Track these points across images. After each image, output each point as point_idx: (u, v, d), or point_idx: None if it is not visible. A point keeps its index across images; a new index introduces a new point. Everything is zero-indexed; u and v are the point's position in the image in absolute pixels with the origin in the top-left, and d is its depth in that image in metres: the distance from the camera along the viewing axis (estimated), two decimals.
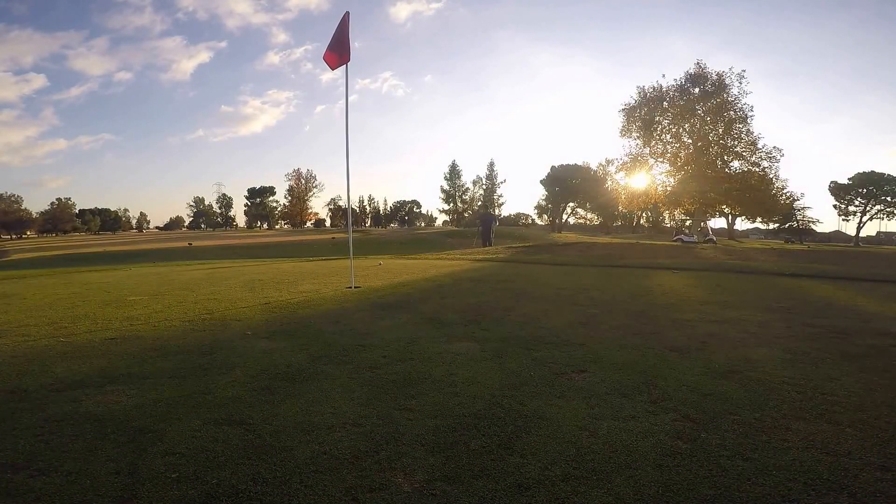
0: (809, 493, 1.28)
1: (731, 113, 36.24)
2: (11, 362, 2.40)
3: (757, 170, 36.59)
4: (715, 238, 37.29)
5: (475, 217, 23.84)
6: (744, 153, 36.79)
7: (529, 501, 1.24)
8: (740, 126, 36.23)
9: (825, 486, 1.31)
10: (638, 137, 39.12)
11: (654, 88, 38.62)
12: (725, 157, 37.46)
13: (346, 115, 5.45)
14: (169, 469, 1.38)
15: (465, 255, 10.89)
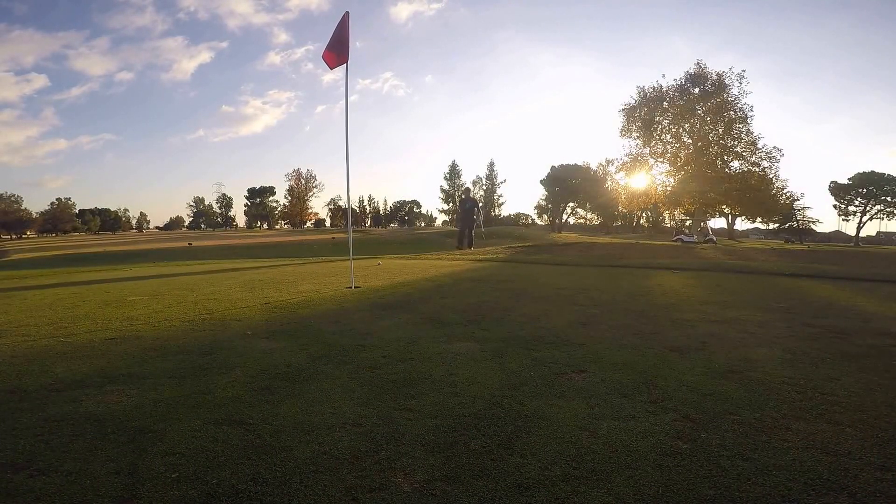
0: (809, 493, 1.28)
1: (731, 113, 36.25)
2: (11, 362, 2.40)
3: (757, 170, 36.61)
4: (715, 238, 37.30)
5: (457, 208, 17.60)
6: (744, 153, 36.81)
7: (529, 501, 1.24)
8: (740, 126, 36.24)
9: (825, 486, 1.31)
10: (638, 137, 39.13)
11: (654, 88, 38.63)
12: (725, 157, 37.47)
13: (345, 114, 5.44)
14: (169, 469, 1.38)
15: (465, 255, 10.89)
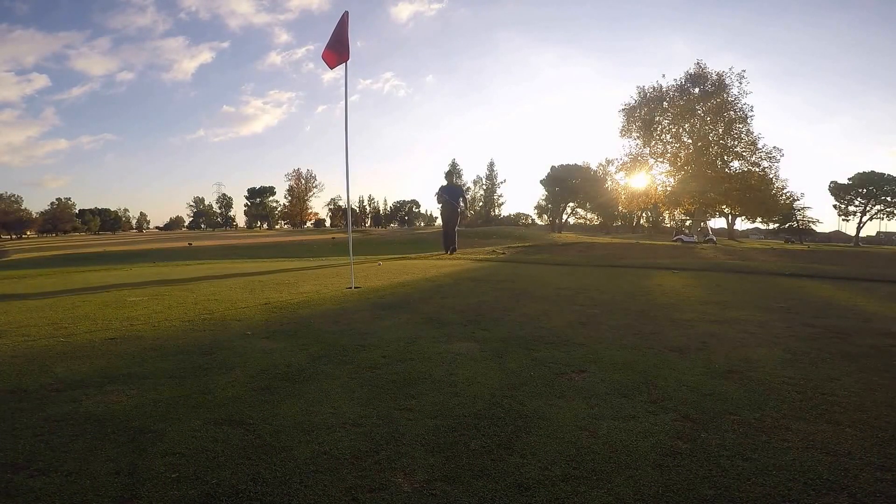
0: (809, 493, 1.28)
1: (731, 113, 36.26)
2: (11, 362, 2.40)
3: (757, 170, 36.63)
4: (715, 238, 37.31)
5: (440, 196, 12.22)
6: (744, 153, 36.83)
7: (529, 501, 1.24)
8: (740, 126, 36.25)
9: (825, 486, 1.31)
10: (638, 137, 39.15)
11: (654, 88, 38.65)
12: (725, 157, 37.48)
13: (345, 114, 5.44)
14: (169, 469, 1.37)
15: (465, 255, 10.88)
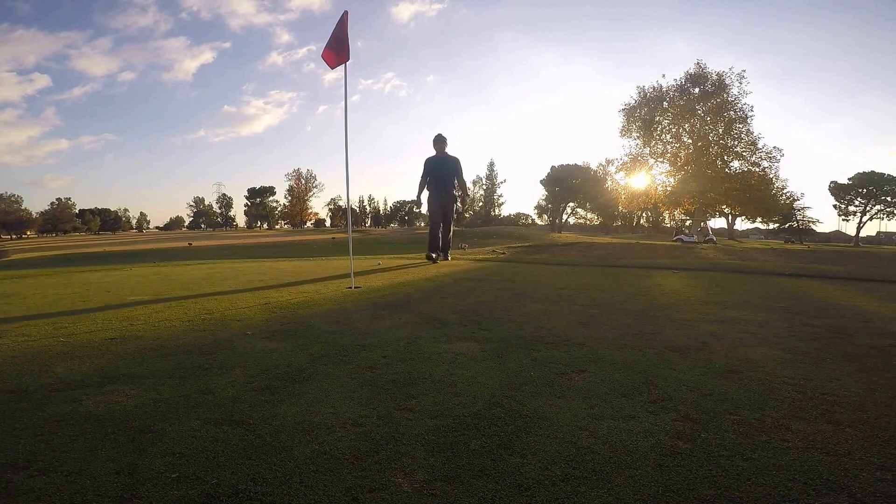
0: (809, 493, 1.28)
1: (731, 113, 36.29)
2: (11, 362, 2.40)
3: (757, 170, 36.65)
4: (715, 238, 37.31)
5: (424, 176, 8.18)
6: (744, 153, 36.85)
7: (529, 501, 1.24)
8: (740, 126, 36.28)
9: (825, 486, 1.31)
10: (638, 137, 39.18)
11: (654, 88, 38.68)
12: (725, 157, 37.50)
13: (345, 114, 5.44)
14: (169, 469, 1.37)
15: (465, 255, 10.88)
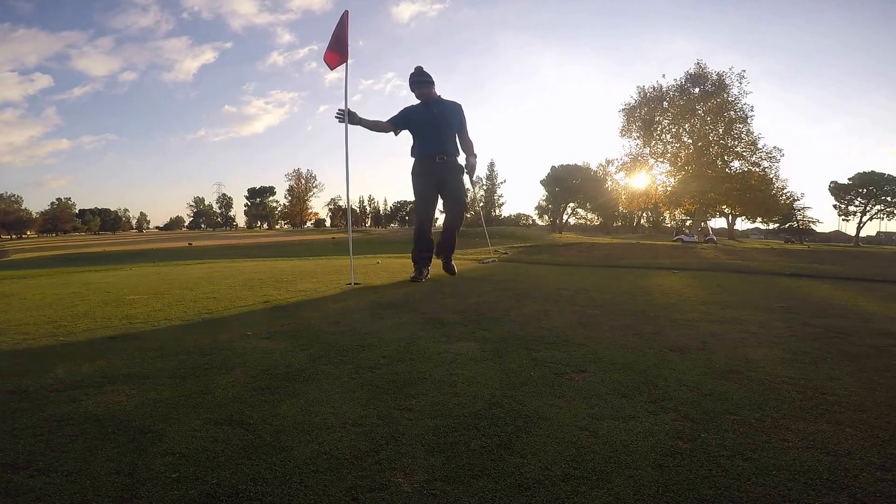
0: (809, 493, 1.27)
1: (732, 113, 36.30)
2: (11, 362, 2.40)
3: (757, 170, 36.65)
4: (715, 238, 37.33)
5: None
6: (744, 153, 36.85)
7: (529, 501, 1.24)
8: (740, 126, 36.30)
9: (825, 486, 1.31)
10: (638, 137, 39.20)
11: (654, 88, 38.70)
12: (725, 157, 37.51)
13: (345, 115, 5.42)
14: (169, 469, 1.37)
15: (465, 255, 10.89)
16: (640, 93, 37.80)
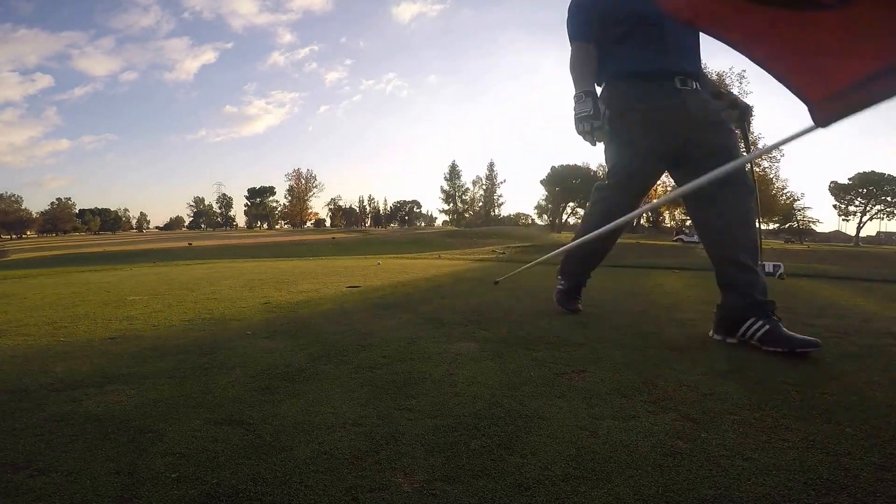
0: (809, 493, 1.28)
1: None
2: (11, 362, 2.40)
3: (757, 170, 36.55)
4: None
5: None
6: (744, 153, 36.77)
7: (529, 501, 1.24)
8: None
9: (825, 486, 1.31)
10: None
11: None
12: None
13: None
14: (169, 469, 1.37)
15: (465, 255, 10.88)
16: None
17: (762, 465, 1.42)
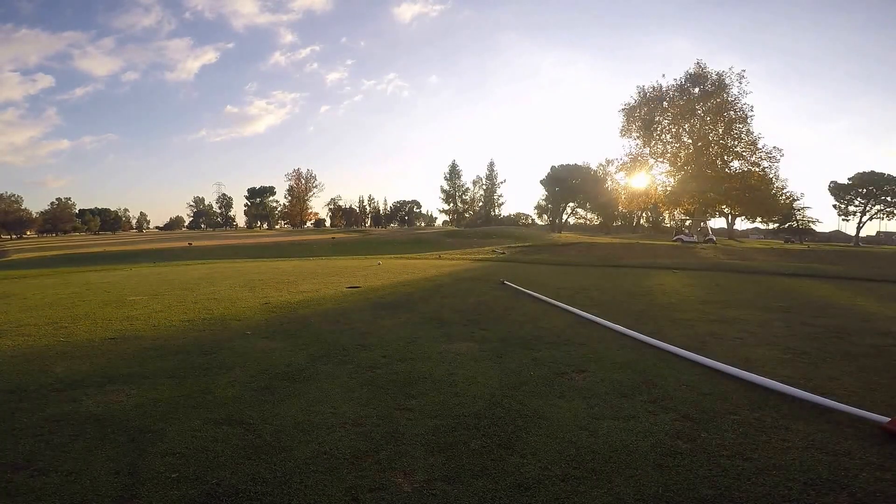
0: (809, 492, 1.28)
1: (731, 113, 36.24)
2: (11, 362, 2.40)
3: (757, 170, 36.62)
4: (715, 238, 37.33)
5: None
6: (744, 153, 36.78)
7: (529, 501, 1.24)
8: (740, 126, 36.22)
9: (825, 486, 1.31)
10: (638, 137, 39.11)
11: (654, 88, 38.61)
12: (725, 157, 37.47)
13: None
14: (169, 469, 1.38)
15: (465, 255, 10.89)
16: (639, 93, 37.80)
17: (762, 465, 1.42)
